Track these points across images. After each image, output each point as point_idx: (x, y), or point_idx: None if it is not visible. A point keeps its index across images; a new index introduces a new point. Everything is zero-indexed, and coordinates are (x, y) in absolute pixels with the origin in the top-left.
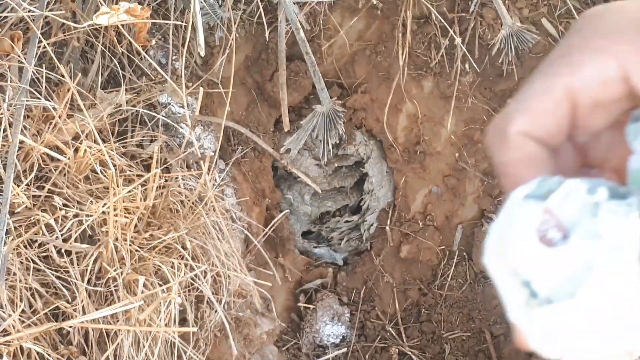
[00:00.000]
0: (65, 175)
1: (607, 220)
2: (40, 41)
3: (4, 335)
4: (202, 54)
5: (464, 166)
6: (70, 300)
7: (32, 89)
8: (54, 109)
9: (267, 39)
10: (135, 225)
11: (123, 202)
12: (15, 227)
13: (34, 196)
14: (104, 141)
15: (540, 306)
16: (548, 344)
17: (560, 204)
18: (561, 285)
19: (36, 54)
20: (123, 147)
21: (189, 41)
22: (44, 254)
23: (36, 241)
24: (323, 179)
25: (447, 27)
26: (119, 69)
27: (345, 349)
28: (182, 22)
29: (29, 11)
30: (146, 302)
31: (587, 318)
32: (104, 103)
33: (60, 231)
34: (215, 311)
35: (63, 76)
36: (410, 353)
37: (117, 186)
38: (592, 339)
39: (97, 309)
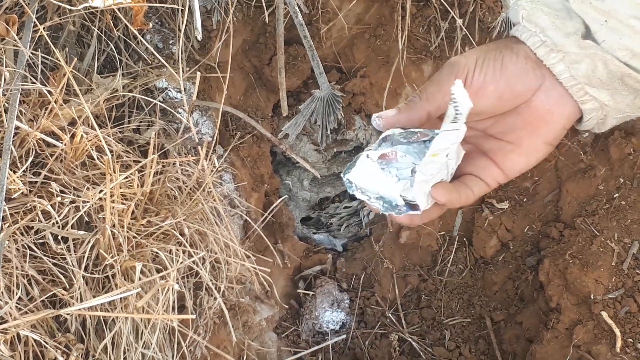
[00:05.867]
0: (61, 161)
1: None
2: (35, 25)
3: (0, 323)
4: (200, 37)
5: None
6: (67, 287)
7: (27, 73)
8: (50, 93)
9: (266, 22)
10: (133, 212)
11: (120, 188)
12: (11, 214)
13: (30, 182)
14: (100, 127)
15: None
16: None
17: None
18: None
19: (32, 38)
20: (120, 132)
21: (186, 25)
22: (41, 241)
23: (33, 228)
24: (322, 164)
25: (448, 9)
26: (116, 54)
27: (344, 336)
28: (179, 5)
29: None
30: (144, 289)
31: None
32: (101, 88)
33: (57, 218)
34: (214, 298)
35: (59, 61)
36: (410, 339)
37: (114, 172)
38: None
39: (94, 296)
